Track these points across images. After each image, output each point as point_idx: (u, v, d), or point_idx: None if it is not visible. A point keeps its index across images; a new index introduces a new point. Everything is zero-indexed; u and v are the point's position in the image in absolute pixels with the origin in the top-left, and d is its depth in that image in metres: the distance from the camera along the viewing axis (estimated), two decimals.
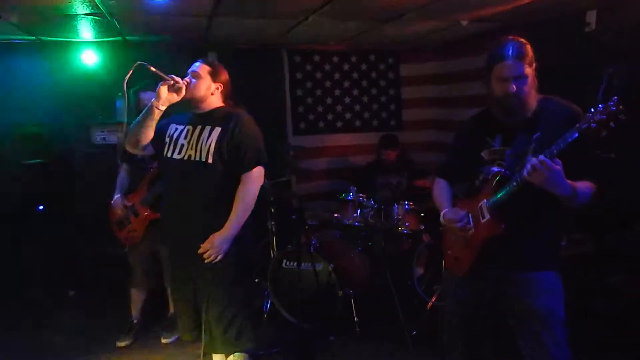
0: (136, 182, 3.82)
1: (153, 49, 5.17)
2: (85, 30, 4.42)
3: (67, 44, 4.94)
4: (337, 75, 6.13)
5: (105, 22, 4.05)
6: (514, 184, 2.10)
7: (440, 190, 2.58)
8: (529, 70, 2.11)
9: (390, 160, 5.06)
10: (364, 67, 6.24)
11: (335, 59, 6.10)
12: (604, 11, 3.68)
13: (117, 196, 3.82)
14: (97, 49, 5.07)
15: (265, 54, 5.77)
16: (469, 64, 5.33)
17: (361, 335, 3.89)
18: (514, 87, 2.09)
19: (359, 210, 4.36)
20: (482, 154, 2.31)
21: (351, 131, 6.27)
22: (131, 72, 2.63)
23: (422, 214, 4.45)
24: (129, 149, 2.93)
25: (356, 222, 4.31)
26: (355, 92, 6.24)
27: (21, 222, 4.66)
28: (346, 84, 6.19)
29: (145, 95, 3.72)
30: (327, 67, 6.08)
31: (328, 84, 6.11)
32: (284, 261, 4.12)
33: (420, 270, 4.38)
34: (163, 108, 2.70)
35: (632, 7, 3.47)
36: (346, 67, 6.16)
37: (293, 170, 4.83)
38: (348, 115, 6.25)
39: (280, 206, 4.65)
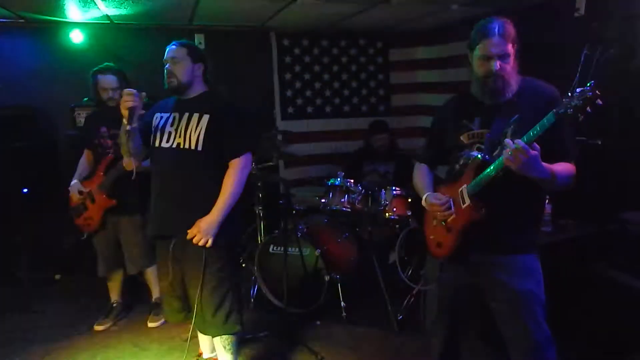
0: (94, 167, 3.78)
1: (139, 30, 5.10)
2: (70, 10, 4.33)
3: (53, 25, 4.85)
4: (326, 60, 6.08)
5: (89, 1, 3.97)
6: (493, 168, 2.10)
7: (421, 175, 2.60)
8: (511, 50, 2.10)
9: (380, 145, 5.04)
10: (353, 51, 6.18)
11: (325, 43, 6.04)
12: None
13: (74, 182, 3.76)
14: (83, 30, 4.97)
15: (254, 37, 5.70)
16: (458, 49, 5.30)
17: (347, 320, 3.92)
18: (498, 64, 2.08)
19: (346, 196, 4.35)
20: (462, 137, 2.30)
21: (340, 116, 6.23)
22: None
23: (410, 200, 4.44)
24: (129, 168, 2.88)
25: (343, 207, 4.29)
26: (344, 76, 6.20)
27: (5, 205, 4.60)
28: (335, 68, 6.13)
29: (103, 77, 3.66)
30: (316, 51, 6.02)
31: (317, 68, 6.06)
32: (271, 246, 4.12)
33: (404, 255, 4.39)
34: (135, 124, 2.66)
35: None
36: (335, 51, 6.10)
37: (280, 155, 4.81)
38: (337, 100, 6.21)
39: (268, 191, 4.64)
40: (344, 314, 3.94)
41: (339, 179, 4.35)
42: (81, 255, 4.70)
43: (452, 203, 2.30)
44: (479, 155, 2.21)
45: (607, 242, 3.32)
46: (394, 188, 4.33)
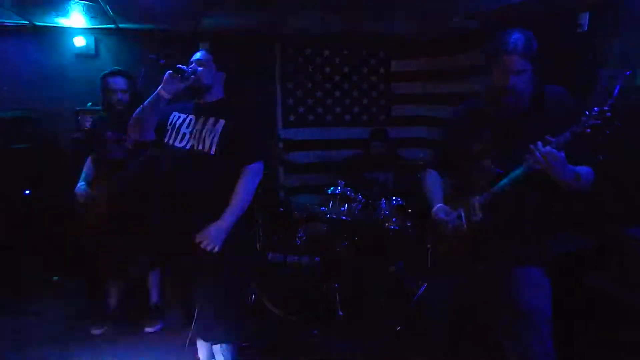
0: (99, 171, 3.78)
1: (145, 37, 5.14)
2: (78, 16, 4.37)
3: (59, 30, 4.92)
4: (328, 69, 6.12)
5: (97, 8, 4.00)
6: (506, 181, 2.11)
7: (431, 183, 2.59)
8: (530, 66, 2.09)
9: (378, 153, 5.06)
10: (355, 61, 6.22)
11: (327, 52, 6.08)
12: (597, 13, 3.70)
13: (79, 185, 3.76)
14: (89, 35, 5.04)
15: (258, 45, 5.74)
16: (460, 61, 5.32)
17: (345, 330, 3.90)
18: (513, 81, 2.08)
19: (346, 205, 4.36)
20: (472, 146, 2.31)
21: (340, 125, 6.26)
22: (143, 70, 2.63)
23: (410, 210, 4.46)
24: (132, 134, 2.90)
25: (343, 216, 4.31)
26: (346, 86, 6.23)
27: (6, 206, 4.60)
28: (337, 77, 6.17)
29: (112, 80, 3.66)
30: (318, 60, 6.06)
31: (319, 77, 6.09)
32: (270, 253, 4.12)
33: (404, 266, 4.40)
34: (169, 96, 2.69)
35: (625, 10, 3.50)
36: (337, 60, 6.14)
37: (281, 162, 4.83)
38: (338, 109, 6.24)
39: (268, 198, 4.64)
40: (341, 323, 3.94)
41: (339, 188, 4.36)
42: (79, 257, 4.71)
43: (462, 214, 2.31)
44: (491, 168, 2.22)
45: (607, 258, 3.32)
46: (394, 198, 4.34)
